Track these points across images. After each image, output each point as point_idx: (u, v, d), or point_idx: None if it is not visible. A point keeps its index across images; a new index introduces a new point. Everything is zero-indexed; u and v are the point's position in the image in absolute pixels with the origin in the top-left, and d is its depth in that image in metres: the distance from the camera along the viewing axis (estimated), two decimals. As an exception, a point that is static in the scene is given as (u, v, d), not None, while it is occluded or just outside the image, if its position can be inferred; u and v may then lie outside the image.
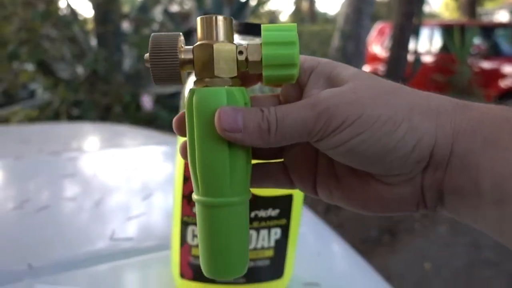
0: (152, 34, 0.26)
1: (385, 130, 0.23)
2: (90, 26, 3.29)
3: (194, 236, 0.43)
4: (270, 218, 0.43)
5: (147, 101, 2.88)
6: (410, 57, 4.44)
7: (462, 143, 0.23)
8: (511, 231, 0.22)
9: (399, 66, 4.29)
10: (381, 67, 4.90)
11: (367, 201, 0.27)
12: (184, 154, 0.28)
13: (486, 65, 4.86)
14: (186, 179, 0.41)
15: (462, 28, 5.03)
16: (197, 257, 0.43)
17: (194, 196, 0.27)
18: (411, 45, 4.40)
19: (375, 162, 0.24)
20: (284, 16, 18.75)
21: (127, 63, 3.25)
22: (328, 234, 0.67)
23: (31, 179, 0.78)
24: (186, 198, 0.41)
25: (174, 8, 4.25)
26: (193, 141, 0.26)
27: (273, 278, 0.46)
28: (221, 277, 0.27)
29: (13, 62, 2.77)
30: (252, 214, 0.42)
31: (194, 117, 0.25)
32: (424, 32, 5.22)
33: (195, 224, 0.42)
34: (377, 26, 5.90)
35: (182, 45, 0.26)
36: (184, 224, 0.43)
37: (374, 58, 5.56)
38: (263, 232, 0.43)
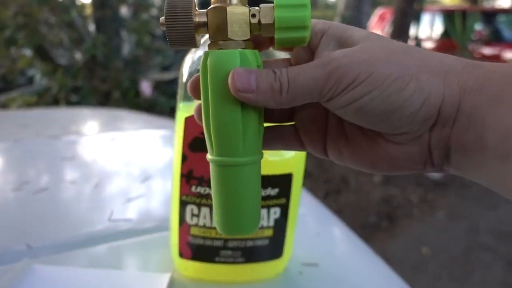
0: None
1: (394, 88, 0.23)
2: (88, 11, 3.26)
3: (193, 215, 0.42)
4: (269, 197, 0.43)
5: (146, 87, 2.86)
6: (411, 43, 4.41)
7: (469, 101, 0.23)
8: None
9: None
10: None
11: (376, 160, 0.27)
12: (198, 117, 0.29)
13: (487, 51, 4.84)
14: (185, 157, 0.41)
15: (464, 13, 4.99)
16: (196, 236, 0.43)
17: (209, 156, 0.28)
18: (412, 31, 4.37)
19: (383, 120, 0.25)
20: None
21: (126, 48, 3.23)
22: (327, 216, 0.67)
23: (29, 162, 0.78)
24: (185, 177, 0.41)
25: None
26: (207, 103, 0.27)
27: (272, 257, 0.46)
28: (234, 233, 0.29)
29: (11, 48, 2.75)
30: (251, 193, 0.42)
31: (208, 79, 0.26)
32: (425, 18, 5.18)
33: (193, 203, 0.42)
34: (378, 12, 5.85)
35: (197, 8, 0.27)
36: (183, 203, 0.42)
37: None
38: (262, 212, 0.43)
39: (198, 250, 0.44)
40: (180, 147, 0.41)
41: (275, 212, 0.44)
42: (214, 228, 0.43)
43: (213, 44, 0.27)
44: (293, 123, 0.31)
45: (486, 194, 2.61)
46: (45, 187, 0.65)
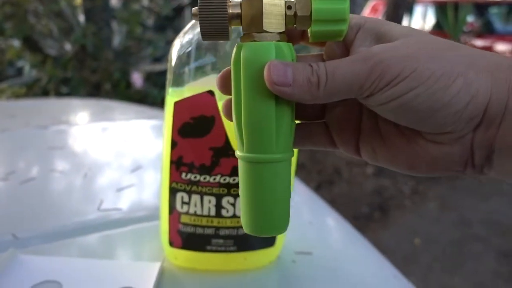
0: None
1: (439, 84, 0.23)
2: (78, 1, 3.21)
3: (183, 203, 0.41)
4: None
5: (137, 79, 2.83)
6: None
7: None
8: None
9: (392, 44, 4.27)
10: (374, 45, 4.86)
11: (413, 161, 0.26)
12: (227, 113, 0.28)
13: (479, 43, 4.85)
14: (175, 143, 0.39)
15: (456, 5, 5.00)
16: (186, 224, 0.42)
17: (238, 153, 0.27)
18: (405, 23, 4.37)
19: (427, 118, 0.23)
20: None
21: (117, 39, 3.19)
22: (321, 205, 0.67)
23: (17, 151, 0.76)
24: (175, 164, 0.40)
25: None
26: (239, 98, 0.26)
27: (265, 246, 0.45)
28: (263, 233, 0.27)
29: (-1, 38, 2.71)
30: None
31: (242, 72, 0.25)
32: (418, 9, 5.18)
33: (183, 190, 0.41)
34: (371, 3, 5.84)
35: (230, 0, 0.26)
36: (173, 191, 0.41)
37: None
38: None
39: (188, 238, 0.43)
40: (170, 133, 0.40)
41: (268, 200, 0.43)
42: (205, 216, 0.42)
43: (247, 36, 0.26)
44: (324, 120, 0.30)
45: (478, 185, 2.63)
46: (32, 177, 0.64)
